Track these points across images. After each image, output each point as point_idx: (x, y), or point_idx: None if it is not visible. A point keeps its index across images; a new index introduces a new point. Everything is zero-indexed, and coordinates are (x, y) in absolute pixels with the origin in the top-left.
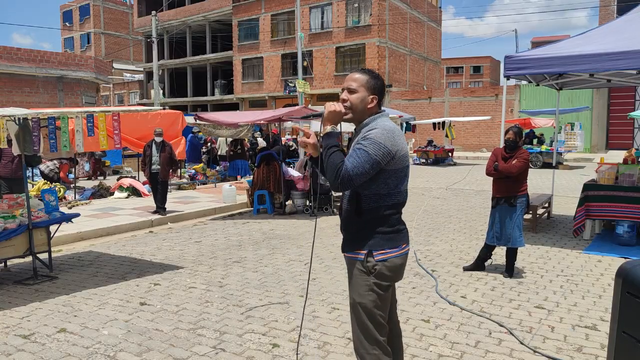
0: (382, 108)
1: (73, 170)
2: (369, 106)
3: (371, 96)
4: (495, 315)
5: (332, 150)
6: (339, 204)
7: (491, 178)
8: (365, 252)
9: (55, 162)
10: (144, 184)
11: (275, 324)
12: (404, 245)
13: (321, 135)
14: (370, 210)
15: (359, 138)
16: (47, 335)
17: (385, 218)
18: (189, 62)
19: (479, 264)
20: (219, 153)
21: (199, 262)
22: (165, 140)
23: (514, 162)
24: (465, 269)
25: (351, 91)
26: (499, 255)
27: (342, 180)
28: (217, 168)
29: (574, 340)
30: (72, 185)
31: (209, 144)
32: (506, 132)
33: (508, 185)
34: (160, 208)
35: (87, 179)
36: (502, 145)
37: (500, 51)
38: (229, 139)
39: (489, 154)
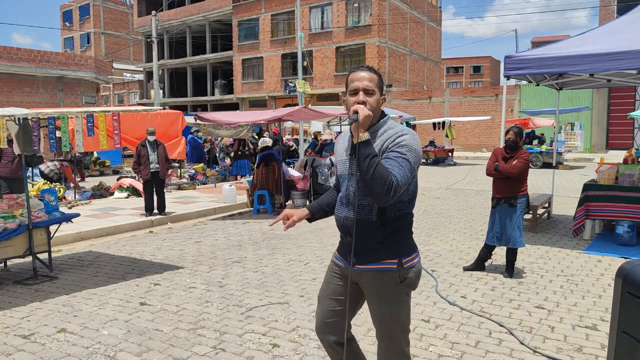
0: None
1: (75, 171)
2: (381, 107)
3: (382, 97)
4: (495, 315)
5: (375, 160)
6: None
7: (491, 178)
8: (395, 261)
9: (55, 162)
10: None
11: (275, 324)
12: (417, 249)
13: (357, 142)
14: (396, 218)
15: (388, 144)
16: (47, 335)
17: (407, 225)
18: (189, 62)
19: (479, 264)
20: (217, 154)
21: (199, 262)
22: (157, 139)
23: (514, 162)
24: (465, 269)
25: (369, 93)
26: (499, 255)
27: (394, 193)
28: (217, 168)
29: (574, 340)
30: (72, 185)
31: (208, 144)
32: (506, 132)
33: (508, 186)
34: (161, 208)
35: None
36: (502, 145)
37: (500, 51)
38: (227, 140)
39: (489, 154)
